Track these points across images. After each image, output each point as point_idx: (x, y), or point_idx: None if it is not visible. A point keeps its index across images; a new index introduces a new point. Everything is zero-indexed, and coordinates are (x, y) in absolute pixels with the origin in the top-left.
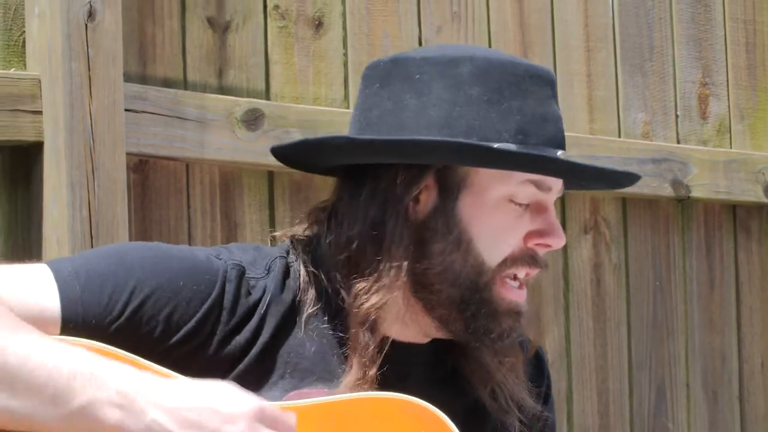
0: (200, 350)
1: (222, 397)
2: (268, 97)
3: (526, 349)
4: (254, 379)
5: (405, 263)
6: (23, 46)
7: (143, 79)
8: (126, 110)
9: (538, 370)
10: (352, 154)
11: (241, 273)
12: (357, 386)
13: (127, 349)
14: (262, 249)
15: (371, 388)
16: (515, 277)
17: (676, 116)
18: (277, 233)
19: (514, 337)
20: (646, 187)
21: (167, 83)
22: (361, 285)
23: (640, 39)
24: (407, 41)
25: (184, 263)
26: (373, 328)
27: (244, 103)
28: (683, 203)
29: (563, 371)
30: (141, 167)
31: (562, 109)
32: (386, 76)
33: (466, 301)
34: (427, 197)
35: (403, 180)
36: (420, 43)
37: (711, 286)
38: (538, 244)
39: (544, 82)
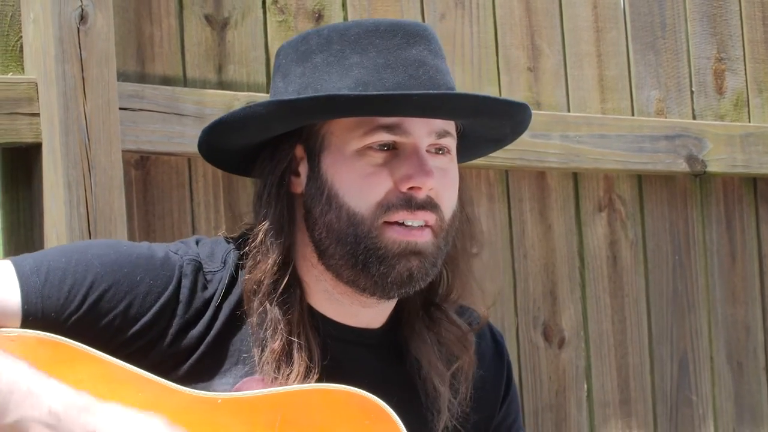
0: (156, 342)
1: None
2: (268, 91)
3: (476, 325)
4: (208, 368)
5: (275, 230)
6: (21, 51)
7: (142, 78)
8: (123, 109)
9: (496, 355)
10: (224, 135)
11: (197, 267)
12: (273, 357)
13: (84, 342)
14: (219, 242)
15: (301, 356)
16: (403, 224)
17: (692, 92)
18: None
19: (418, 278)
20: (660, 163)
21: (166, 81)
22: (248, 261)
23: (651, 17)
24: None
25: (141, 259)
26: (265, 298)
27: (243, 97)
28: (700, 178)
29: (581, 348)
30: (142, 163)
31: (573, 89)
32: (275, 69)
33: (355, 254)
34: (303, 168)
35: (274, 154)
36: None
37: (732, 259)
38: (410, 188)
39: (391, 34)
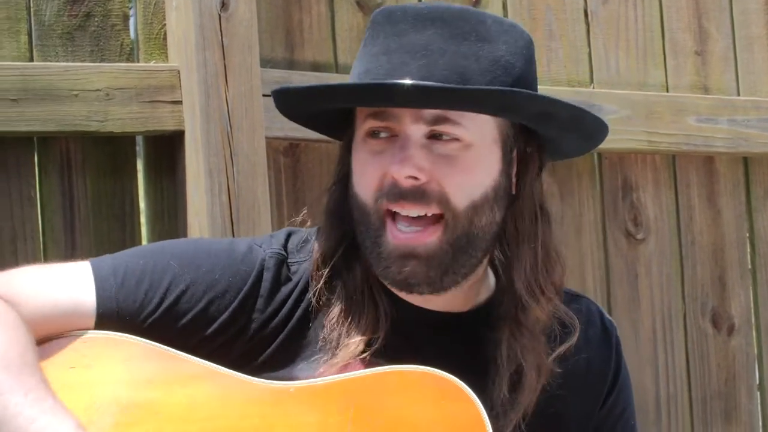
0: (238, 338)
1: None
2: None
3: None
4: (290, 355)
5: (343, 218)
6: (164, 39)
7: (291, 65)
8: (268, 96)
9: (604, 343)
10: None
11: (281, 260)
12: (334, 323)
13: (165, 342)
14: (314, 232)
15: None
16: (394, 218)
17: None
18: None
19: (419, 282)
20: None
21: (317, 67)
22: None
23: None
24: (572, 14)
25: (220, 256)
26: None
27: None
28: None
29: (750, 335)
30: (292, 151)
31: (742, 74)
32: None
33: (365, 244)
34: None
35: (347, 128)
36: (586, 16)
37: None
38: (392, 177)
39: (402, 19)
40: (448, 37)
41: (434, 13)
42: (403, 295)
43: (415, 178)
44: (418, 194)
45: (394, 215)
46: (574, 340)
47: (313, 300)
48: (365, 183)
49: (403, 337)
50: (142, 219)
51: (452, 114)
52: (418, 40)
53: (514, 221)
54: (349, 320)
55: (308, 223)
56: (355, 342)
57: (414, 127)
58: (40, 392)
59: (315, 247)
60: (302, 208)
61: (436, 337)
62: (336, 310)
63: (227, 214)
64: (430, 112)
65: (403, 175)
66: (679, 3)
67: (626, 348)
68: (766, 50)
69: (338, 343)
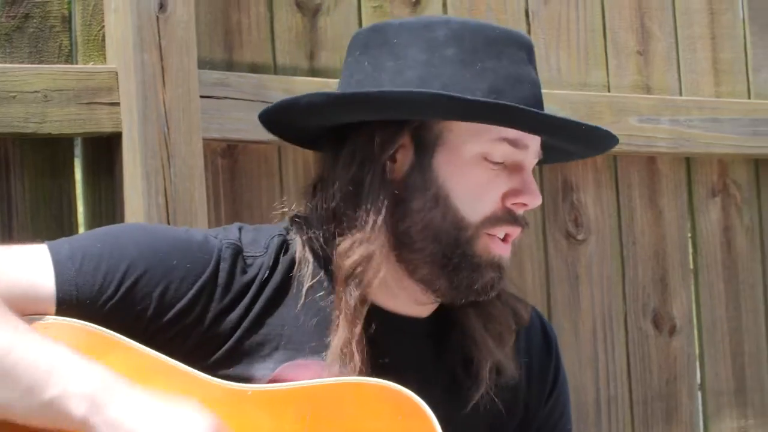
0: (195, 327)
1: (184, 417)
2: None
3: (521, 319)
4: (247, 352)
5: (381, 218)
6: (103, 40)
7: (230, 66)
8: (206, 97)
9: (545, 346)
10: (328, 111)
11: (237, 252)
12: (346, 348)
13: (120, 329)
14: (263, 228)
15: (359, 350)
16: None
17: None
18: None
19: (495, 289)
20: None
21: (255, 69)
22: (344, 244)
23: None
24: (513, 14)
25: (178, 243)
26: (358, 285)
27: (334, 83)
28: None
29: (692, 336)
30: (230, 152)
31: (685, 73)
32: (366, 44)
33: (448, 255)
34: (404, 156)
35: (380, 139)
36: (527, 16)
37: None
38: (515, 204)
39: (519, 46)
40: (531, 66)
41: (530, 45)
42: (379, 300)
43: None
44: (525, 222)
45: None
46: (513, 342)
47: (299, 300)
48: (477, 206)
49: (370, 341)
50: (80, 220)
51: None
52: (533, 75)
53: None
54: (315, 322)
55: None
56: (321, 344)
57: (534, 159)
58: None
59: (344, 246)
60: (240, 209)
61: (404, 340)
62: (301, 310)
63: (164, 215)
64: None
65: (536, 204)
66: (621, 2)
67: (566, 349)
68: (709, 50)
69: (302, 345)
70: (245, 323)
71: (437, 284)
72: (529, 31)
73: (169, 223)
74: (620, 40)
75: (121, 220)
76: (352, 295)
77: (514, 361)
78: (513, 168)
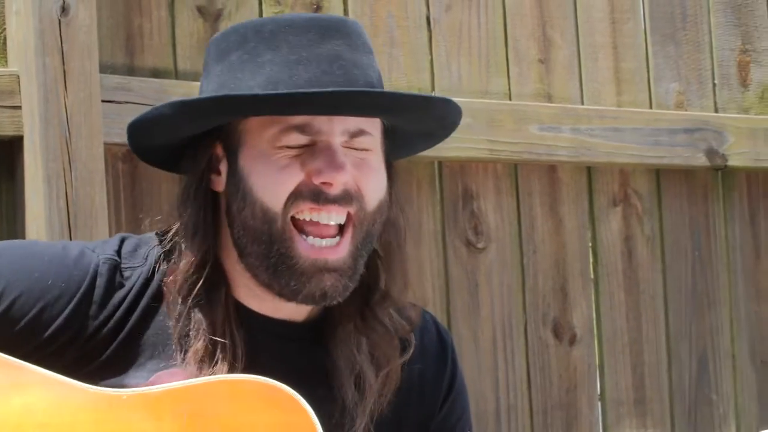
0: (71, 343)
1: None
2: None
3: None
4: (123, 362)
5: (203, 230)
6: (5, 43)
7: (131, 71)
8: (107, 101)
9: (440, 351)
10: (146, 134)
11: (114, 266)
12: (217, 353)
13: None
14: (147, 239)
15: (231, 353)
16: (307, 232)
17: (714, 85)
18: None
19: (334, 296)
20: (678, 157)
21: (156, 73)
22: (183, 258)
23: (671, 8)
24: (414, 21)
25: (53, 261)
26: (184, 297)
27: None
28: (722, 173)
29: (592, 345)
30: (130, 156)
31: (587, 82)
32: (203, 65)
33: (268, 255)
34: (223, 167)
35: (196, 155)
36: (428, 23)
37: (757, 256)
38: (321, 182)
39: (305, 29)
40: (353, 49)
41: (338, 24)
42: (254, 304)
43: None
44: (346, 198)
45: (301, 228)
46: (410, 351)
47: (175, 317)
48: (277, 188)
49: (247, 346)
50: None
51: (367, 126)
52: (331, 51)
53: (386, 230)
54: (192, 329)
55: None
56: (198, 350)
57: (339, 138)
58: None
59: (177, 267)
60: (140, 214)
61: (281, 345)
62: (197, 341)
63: (65, 219)
64: (354, 125)
65: (341, 182)
66: (523, 10)
67: (466, 358)
68: (611, 59)
69: (177, 352)
70: (121, 335)
71: (275, 288)
72: (430, 38)
73: (70, 228)
74: (522, 48)
75: (22, 223)
76: (189, 309)
77: (398, 371)
78: (317, 149)
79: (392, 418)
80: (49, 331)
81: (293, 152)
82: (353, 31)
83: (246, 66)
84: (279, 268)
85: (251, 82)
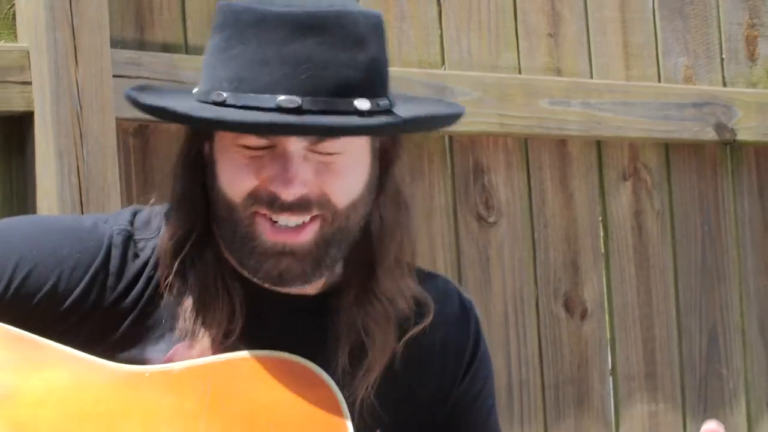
0: (90, 315)
1: None
2: None
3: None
4: (141, 335)
5: (194, 203)
6: (14, 18)
7: (141, 45)
8: (118, 76)
9: (462, 321)
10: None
11: (128, 237)
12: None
13: (16, 323)
14: (158, 210)
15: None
16: (272, 220)
17: (722, 59)
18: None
19: (293, 278)
20: (687, 131)
21: (167, 48)
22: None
23: None
24: None
25: (67, 232)
26: (171, 261)
27: None
28: (731, 147)
29: (603, 320)
30: (141, 132)
31: (596, 56)
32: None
33: (234, 239)
34: (209, 144)
35: (187, 131)
36: None
37: (766, 230)
38: (272, 190)
39: (277, 26)
40: (329, 46)
41: (313, 20)
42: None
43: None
44: (302, 205)
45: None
46: (428, 319)
47: (165, 290)
48: (237, 187)
49: (256, 321)
50: None
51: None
52: (299, 52)
53: (379, 209)
54: (204, 308)
55: (152, 201)
56: (212, 330)
57: (298, 143)
58: None
59: (164, 233)
60: (151, 190)
61: (288, 319)
62: (189, 298)
63: (77, 195)
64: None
65: (291, 195)
66: None
67: None
68: (620, 33)
69: (194, 332)
70: (138, 307)
71: (244, 266)
72: (440, 12)
73: (82, 203)
74: (531, 22)
75: (33, 199)
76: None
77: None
78: (275, 153)
79: (407, 388)
80: (68, 302)
81: (252, 153)
82: (336, 25)
83: (221, 55)
84: (243, 250)
85: (222, 74)
